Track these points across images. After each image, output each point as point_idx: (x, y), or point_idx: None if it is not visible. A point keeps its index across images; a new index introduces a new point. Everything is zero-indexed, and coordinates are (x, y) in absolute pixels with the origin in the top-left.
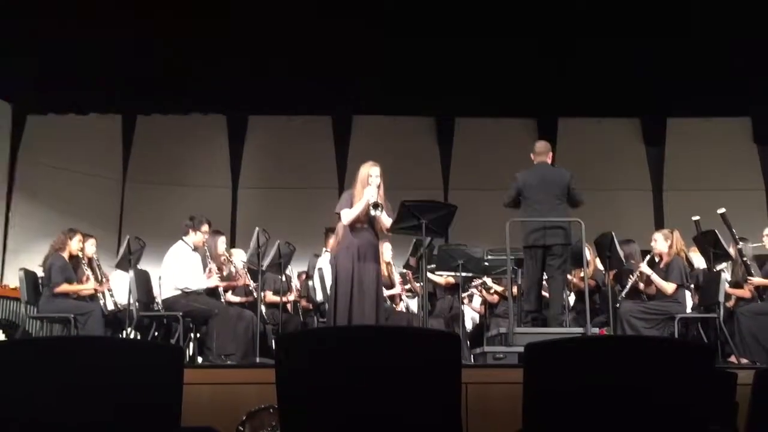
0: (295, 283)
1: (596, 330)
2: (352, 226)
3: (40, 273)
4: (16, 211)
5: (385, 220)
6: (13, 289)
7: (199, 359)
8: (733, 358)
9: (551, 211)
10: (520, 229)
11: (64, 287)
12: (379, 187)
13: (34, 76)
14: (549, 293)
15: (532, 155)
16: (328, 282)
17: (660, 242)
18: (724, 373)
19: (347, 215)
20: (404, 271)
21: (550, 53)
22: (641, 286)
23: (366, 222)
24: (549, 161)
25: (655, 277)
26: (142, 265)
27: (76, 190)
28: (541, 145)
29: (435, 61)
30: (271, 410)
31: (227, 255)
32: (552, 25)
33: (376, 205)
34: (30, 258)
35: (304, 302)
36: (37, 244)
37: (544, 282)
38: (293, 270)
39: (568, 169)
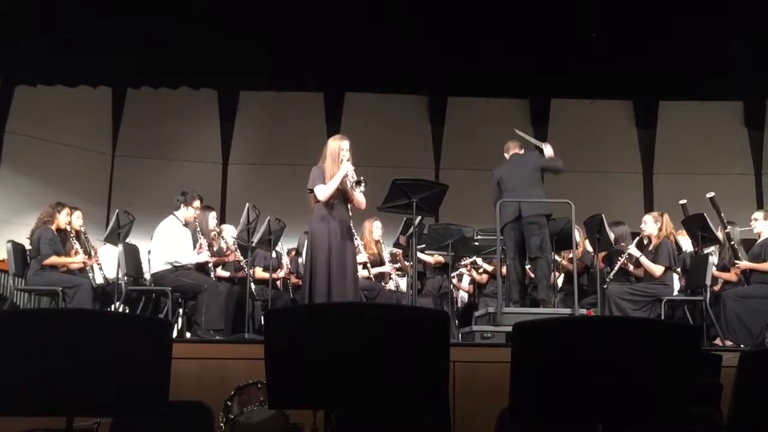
0: (285, 260)
1: (584, 311)
2: (327, 203)
3: (27, 246)
4: (3, 183)
5: (360, 197)
6: (0, 261)
7: (188, 334)
8: (718, 341)
9: (527, 190)
10: (499, 216)
11: (54, 259)
12: (348, 161)
13: (23, 47)
14: (534, 275)
15: (506, 155)
16: None
17: (650, 224)
18: (709, 355)
19: (323, 191)
20: (394, 249)
21: (543, 34)
22: (630, 267)
23: (339, 198)
24: (521, 151)
25: (644, 260)
26: (131, 239)
27: (65, 163)
28: (508, 143)
29: (428, 39)
30: (259, 385)
31: (217, 230)
32: (546, 7)
33: (359, 182)
34: (17, 230)
35: (293, 279)
36: (24, 216)
37: (528, 267)
38: (283, 246)
39: (534, 151)
